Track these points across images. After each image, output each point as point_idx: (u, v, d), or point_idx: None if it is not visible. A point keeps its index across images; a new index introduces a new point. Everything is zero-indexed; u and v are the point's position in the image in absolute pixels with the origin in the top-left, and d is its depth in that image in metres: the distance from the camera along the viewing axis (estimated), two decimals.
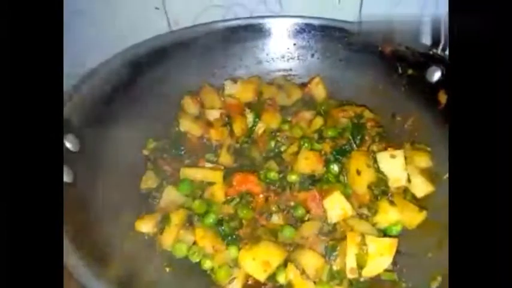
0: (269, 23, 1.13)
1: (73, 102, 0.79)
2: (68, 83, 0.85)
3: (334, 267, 0.70)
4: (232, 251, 0.72)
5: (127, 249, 0.68)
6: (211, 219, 0.77)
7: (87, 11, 1.12)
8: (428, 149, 0.89)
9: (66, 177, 0.67)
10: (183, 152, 0.92)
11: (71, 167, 0.69)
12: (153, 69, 0.99)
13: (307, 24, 1.12)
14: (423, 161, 0.87)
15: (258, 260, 0.69)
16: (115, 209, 0.74)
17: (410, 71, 0.98)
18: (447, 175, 0.83)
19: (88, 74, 0.88)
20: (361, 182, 0.81)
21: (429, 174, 0.85)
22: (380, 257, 0.68)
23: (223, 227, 0.76)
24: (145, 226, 0.75)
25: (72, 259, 0.55)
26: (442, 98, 0.90)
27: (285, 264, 0.71)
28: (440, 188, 0.83)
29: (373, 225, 0.78)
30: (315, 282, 0.68)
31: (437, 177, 0.85)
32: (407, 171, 0.83)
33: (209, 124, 0.99)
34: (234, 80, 1.03)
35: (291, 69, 1.16)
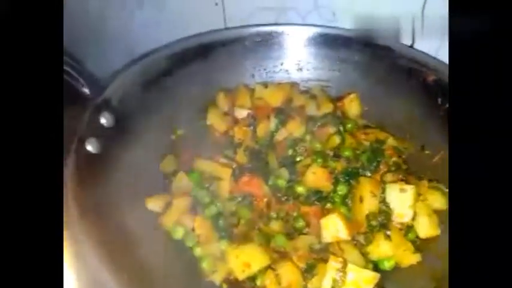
0: (315, 32, 1.13)
1: (115, 84, 0.89)
2: (117, 66, 0.97)
3: (309, 286, 0.72)
4: (222, 244, 0.78)
5: (131, 221, 0.77)
6: (212, 211, 0.83)
7: None
8: (447, 190, 0.84)
9: (93, 149, 0.78)
10: (204, 144, 0.99)
11: (100, 140, 0.80)
12: (197, 63, 1.06)
13: (353, 38, 1.10)
14: (437, 201, 0.83)
15: (240, 259, 0.74)
16: (132, 182, 0.84)
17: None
18: None
19: (136, 59, 0.98)
20: (361, 210, 0.80)
21: (440, 217, 0.81)
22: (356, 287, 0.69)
23: (220, 221, 0.82)
24: (153, 204, 0.84)
25: (78, 224, 0.65)
26: None
27: (265, 269, 0.75)
28: (446, 234, 0.78)
29: (365, 255, 0.78)
30: None
31: (446, 221, 0.80)
32: (416, 208, 0.80)
33: (235, 122, 1.04)
34: (265, 85, 1.06)
35: (329, 81, 1.15)
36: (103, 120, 0.82)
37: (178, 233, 0.80)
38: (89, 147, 0.77)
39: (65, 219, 0.62)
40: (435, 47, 1.02)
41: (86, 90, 0.80)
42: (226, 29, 1.18)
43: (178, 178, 0.88)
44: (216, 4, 1.21)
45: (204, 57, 1.08)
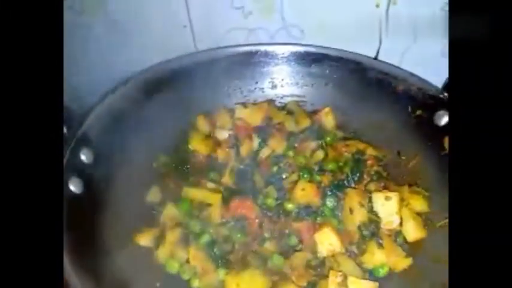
0: (287, 50, 1.16)
1: (92, 117, 0.86)
2: (91, 99, 0.93)
3: None
4: (220, 273, 0.77)
5: (123, 260, 0.74)
6: (205, 239, 0.82)
7: (119, 21, 1.19)
8: (427, 193, 0.89)
9: (76, 189, 0.74)
10: (188, 170, 0.97)
11: (82, 179, 0.76)
12: (172, 88, 1.05)
13: (324, 54, 1.14)
14: (419, 205, 0.87)
15: (241, 287, 0.73)
16: (119, 219, 0.81)
17: (419, 112, 0.99)
18: (441, 222, 0.83)
19: (109, 90, 0.95)
20: (353, 221, 0.83)
21: (424, 219, 0.86)
22: None
23: (215, 249, 0.81)
24: (144, 240, 0.81)
25: (69, 268, 0.62)
26: (447, 143, 0.90)
27: None
28: (432, 234, 0.83)
29: (360, 264, 0.80)
30: None
31: (432, 224, 0.85)
32: (401, 213, 0.84)
33: (217, 144, 1.04)
34: (245, 105, 1.07)
35: (304, 96, 1.19)
36: (83, 157, 0.79)
37: (174, 267, 0.78)
38: (72, 188, 0.73)
39: None
40: (403, 48, 1.08)
41: (63, 127, 0.76)
42: (198, 52, 1.18)
43: (167, 209, 0.86)
44: (185, 26, 1.21)
45: (179, 82, 1.07)
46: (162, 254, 0.79)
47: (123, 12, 1.16)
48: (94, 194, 0.78)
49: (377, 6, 1.04)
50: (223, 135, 1.05)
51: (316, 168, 0.95)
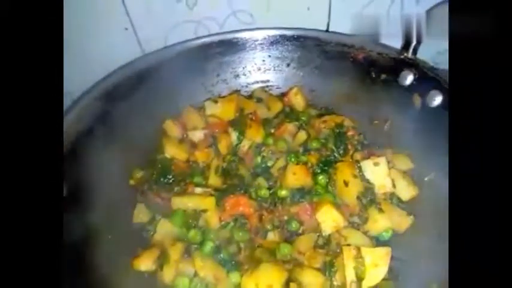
0: (242, 36, 1.12)
1: None
2: None
3: (335, 283, 0.72)
4: (234, 277, 0.73)
5: None
6: (208, 247, 0.77)
7: None
8: (408, 151, 0.93)
9: None
10: (171, 180, 0.91)
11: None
12: (130, 97, 0.97)
13: (280, 35, 1.12)
14: (404, 163, 0.91)
15: (261, 285, 0.70)
16: (110, 250, 0.73)
17: (383, 76, 1.02)
18: (429, 177, 0.88)
19: (67, 108, 0.85)
20: (350, 193, 0.83)
21: (411, 177, 0.89)
22: (376, 267, 0.71)
23: (221, 254, 0.77)
24: (144, 264, 0.74)
25: None
26: (417, 100, 0.94)
27: (286, 284, 0.73)
28: (424, 189, 0.87)
29: (365, 233, 0.81)
30: None
31: (419, 179, 0.89)
32: (391, 176, 0.86)
33: (194, 146, 0.98)
34: (214, 100, 1.02)
35: (268, 81, 1.17)
36: None
37: (183, 285, 0.72)
38: None
39: None
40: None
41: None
42: (148, 54, 1.09)
43: (160, 226, 0.79)
44: (126, 29, 1.11)
45: (138, 89, 0.99)
46: (168, 273, 0.73)
47: None
48: (76, 230, 0.69)
49: None
50: (197, 136, 0.99)
51: (300, 149, 0.94)
